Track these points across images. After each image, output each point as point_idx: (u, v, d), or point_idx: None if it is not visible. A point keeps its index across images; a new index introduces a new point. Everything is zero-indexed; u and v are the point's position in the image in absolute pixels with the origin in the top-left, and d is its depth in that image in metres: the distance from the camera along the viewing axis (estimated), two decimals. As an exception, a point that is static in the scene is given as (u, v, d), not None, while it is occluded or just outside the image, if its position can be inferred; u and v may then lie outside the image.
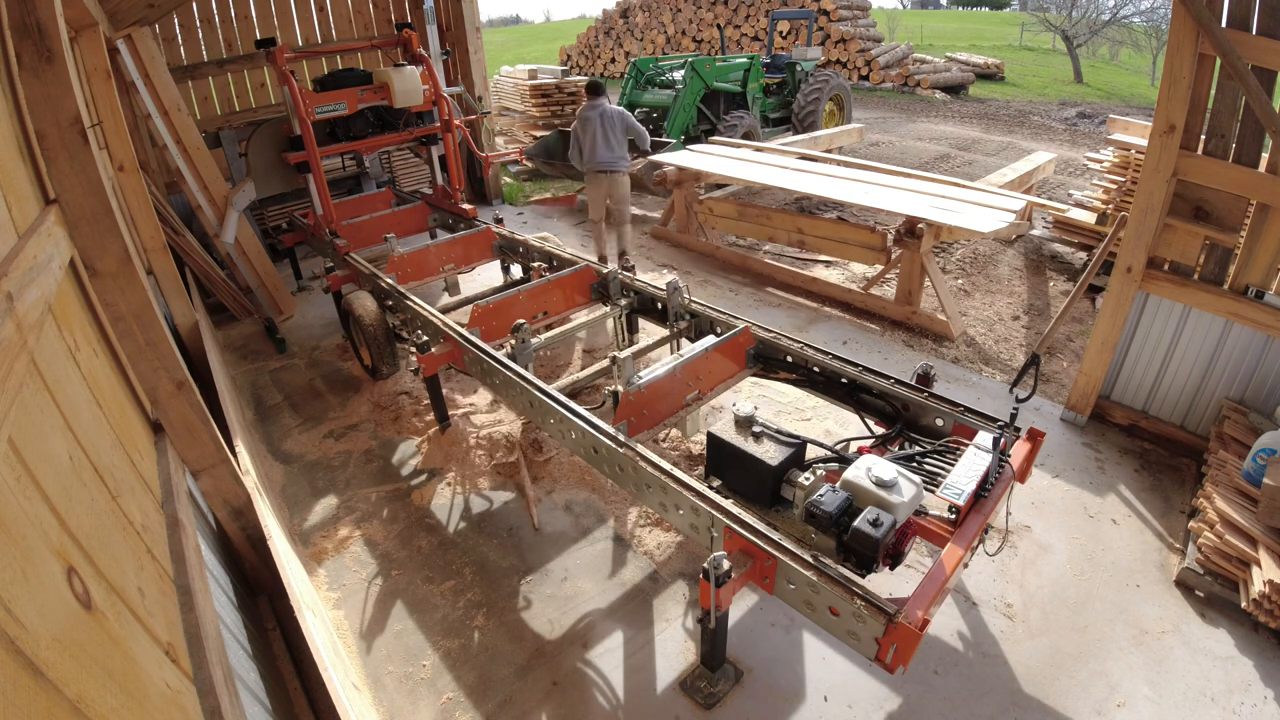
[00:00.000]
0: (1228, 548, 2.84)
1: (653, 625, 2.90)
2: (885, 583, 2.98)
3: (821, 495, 2.24)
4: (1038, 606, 2.94)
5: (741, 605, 2.97)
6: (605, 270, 4.20)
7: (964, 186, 5.78)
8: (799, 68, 10.93)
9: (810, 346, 3.27)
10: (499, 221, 5.25)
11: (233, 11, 7.01)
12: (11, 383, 1.02)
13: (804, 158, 7.22)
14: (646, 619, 2.93)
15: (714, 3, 21.35)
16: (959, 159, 11.35)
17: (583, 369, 3.89)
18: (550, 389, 3.06)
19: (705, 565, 2.13)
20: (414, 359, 3.67)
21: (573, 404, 2.95)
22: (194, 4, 6.68)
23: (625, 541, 3.34)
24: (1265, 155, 3.19)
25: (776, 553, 2.16)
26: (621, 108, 6.48)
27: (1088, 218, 6.16)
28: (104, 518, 1.38)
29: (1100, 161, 6.25)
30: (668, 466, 2.55)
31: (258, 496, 2.66)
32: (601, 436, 2.76)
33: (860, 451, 2.76)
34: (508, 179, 9.79)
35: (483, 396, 4.51)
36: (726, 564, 2.14)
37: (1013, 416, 2.48)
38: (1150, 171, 3.48)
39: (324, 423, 4.40)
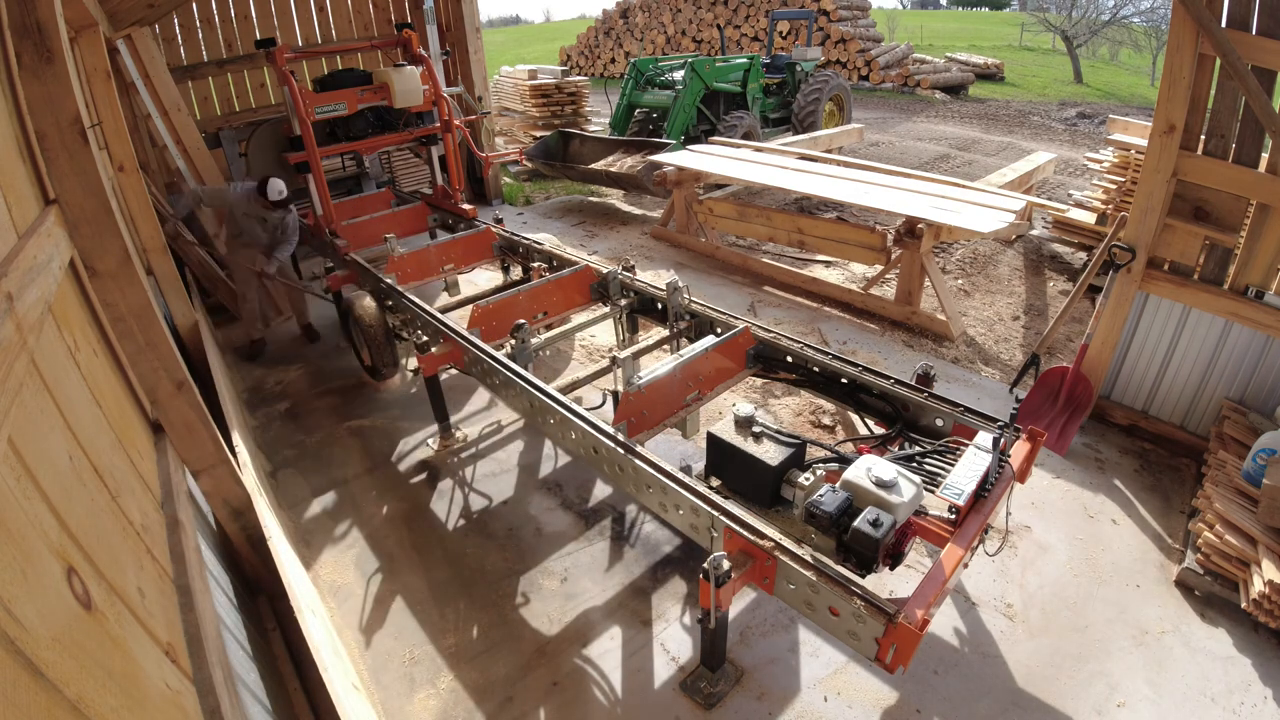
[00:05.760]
0: (1227, 548, 2.84)
1: (652, 624, 2.90)
2: (885, 583, 2.98)
3: (821, 495, 2.24)
4: (1038, 606, 2.94)
5: (741, 605, 2.97)
6: (605, 270, 4.20)
7: (964, 186, 5.78)
8: (799, 68, 10.94)
9: (810, 346, 3.26)
10: (499, 222, 5.24)
11: (233, 11, 7.02)
12: (11, 383, 1.02)
13: (804, 158, 7.21)
14: (646, 618, 2.93)
15: (714, 3, 21.35)
16: (959, 159, 11.35)
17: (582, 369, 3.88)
18: (550, 389, 3.06)
19: (705, 565, 2.13)
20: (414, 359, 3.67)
21: (573, 404, 2.95)
22: (194, 4, 6.68)
23: (624, 540, 3.34)
24: (1265, 155, 3.19)
25: (776, 553, 2.16)
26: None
27: (1087, 218, 6.16)
28: (104, 518, 1.38)
29: (1100, 162, 6.24)
30: (667, 467, 2.55)
31: (258, 496, 2.66)
32: (601, 437, 2.76)
33: (860, 451, 2.75)
34: (508, 179, 9.79)
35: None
36: (726, 564, 2.14)
37: (1013, 416, 2.48)
38: (1150, 171, 3.49)
39: (322, 425, 4.40)
